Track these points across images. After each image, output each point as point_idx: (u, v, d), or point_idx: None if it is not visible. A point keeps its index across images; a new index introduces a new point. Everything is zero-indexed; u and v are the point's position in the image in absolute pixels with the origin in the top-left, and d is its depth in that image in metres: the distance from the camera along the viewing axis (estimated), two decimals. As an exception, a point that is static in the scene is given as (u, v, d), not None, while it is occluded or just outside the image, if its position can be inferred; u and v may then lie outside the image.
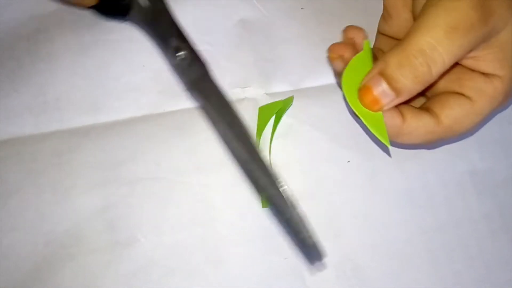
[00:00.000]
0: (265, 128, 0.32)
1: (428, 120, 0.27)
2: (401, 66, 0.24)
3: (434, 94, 0.29)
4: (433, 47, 0.24)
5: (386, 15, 0.30)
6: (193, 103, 0.33)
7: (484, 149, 0.34)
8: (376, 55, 0.30)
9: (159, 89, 0.33)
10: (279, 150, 0.33)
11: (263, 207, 0.31)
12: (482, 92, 0.26)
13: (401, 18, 0.29)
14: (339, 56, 0.28)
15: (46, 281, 0.29)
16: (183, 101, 0.33)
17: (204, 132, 0.32)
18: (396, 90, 0.25)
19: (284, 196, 0.26)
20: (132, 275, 0.30)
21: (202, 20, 0.35)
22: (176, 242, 0.30)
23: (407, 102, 0.27)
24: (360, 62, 0.27)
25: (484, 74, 0.26)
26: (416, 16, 0.26)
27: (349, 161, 0.33)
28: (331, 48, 0.29)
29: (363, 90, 0.26)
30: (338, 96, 0.34)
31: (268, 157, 0.32)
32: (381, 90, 0.25)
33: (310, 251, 0.26)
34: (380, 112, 0.26)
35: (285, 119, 0.33)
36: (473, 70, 0.27)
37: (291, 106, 0.33)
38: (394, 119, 0.26)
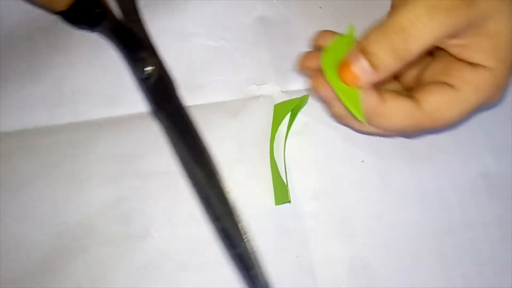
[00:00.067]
0: (280, 126, 0.33)
1: (408, 103, 0.27)
2: (381, 42, 0.24)
3: (420, 85, 0.28)
4: (413, 23, 0.23)
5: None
6: (207, 99, 0.33)
7: (497, 152, 0.34)
8: None
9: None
10: (294, 148, 0.33)
11: (276, 204, 0.31)
12: (467, 81, 0.26)
13: None
14: (307, 67, 0.29)
15: (58, 272, 0.29)
16: (200, 96, 0.33)
17: (219, 127, 0.33)
18: (375, 66, 0.25)
19: (240, 228, 0.25)
20: (144, 268, 0.30)
21: (219, 16, 0.35)
22: (188, 236, 0.30)
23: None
24: (343, 43, 0.27)
25: (471, 64, 0.26)
26: None
27: (363, 161, 0.33)
28: (301, 61, 0.29)
29: (342, 67, 0.26)
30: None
31: (282, 155, 0.32)
32: (360, 66, 0.25)
33: None
34: (358, 89, 0.26)
35: (300, 117, 0.34)
36: (461, 60, 0.26)
37: (306, 104, 0.34)
38: (371, 97, 0.26)
